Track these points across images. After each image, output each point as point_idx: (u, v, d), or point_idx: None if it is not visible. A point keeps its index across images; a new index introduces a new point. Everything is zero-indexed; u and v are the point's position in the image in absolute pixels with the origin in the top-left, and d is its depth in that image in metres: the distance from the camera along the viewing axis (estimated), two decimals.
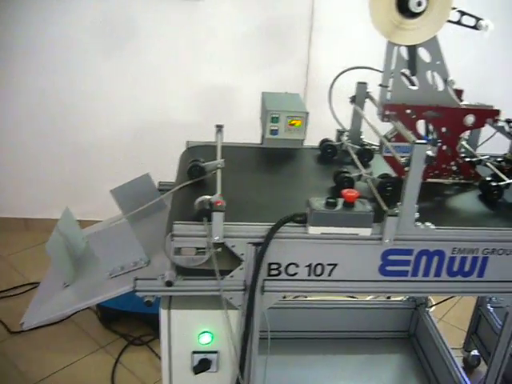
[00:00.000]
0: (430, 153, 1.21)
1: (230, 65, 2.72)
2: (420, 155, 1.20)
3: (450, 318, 2.54)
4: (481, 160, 1.63)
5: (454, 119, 1.49)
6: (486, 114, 1.50)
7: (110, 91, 2.80)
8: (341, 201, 1.24)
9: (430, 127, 1.53)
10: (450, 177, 1.56)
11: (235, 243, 1.26)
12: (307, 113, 1.64)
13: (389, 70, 1.47)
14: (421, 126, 1.53)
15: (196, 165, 1.46)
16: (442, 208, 1.44)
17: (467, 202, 1.48)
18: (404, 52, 1.44)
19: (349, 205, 1.23)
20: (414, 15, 1.35)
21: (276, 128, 1.65)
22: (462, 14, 1.44)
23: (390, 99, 1.48)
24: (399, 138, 1.47)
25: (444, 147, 1.52)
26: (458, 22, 1.44)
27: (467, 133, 1.66)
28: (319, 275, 1.32)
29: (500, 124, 1.53)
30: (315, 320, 2.02)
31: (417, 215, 1.27)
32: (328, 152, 1.67)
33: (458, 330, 2.38)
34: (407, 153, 1.35)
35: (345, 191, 1.24)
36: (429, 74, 1.47)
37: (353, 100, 1.70)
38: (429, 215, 1.33)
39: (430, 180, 1.56)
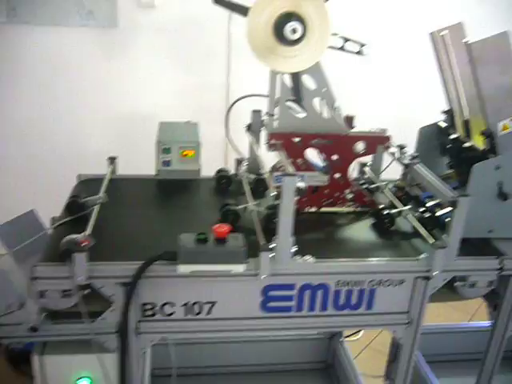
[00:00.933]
0: (301, 184, 1.17)
1: (148, 93, 2.67)
2: (290, 187, 1.16)
3: (377, 344, 2.50)
4: (378, 187, 1.60)
5: (343, 147, 1.46)
6: (376, 141, 1.47)
7: (41, 117, 2.72)
8: (212, 236, 1.18)
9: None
10: (344, 205, 1.53)
11: (104, 284, 1.19)
12: (199, 143, 1.58)
13: (273, 98, 1.44)
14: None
15: (74, 201, 1.39)
16: (332, 239, 1.40)
17: (359, 231, 1.44)
18: (288, 79, 1.41)
19: (220, 241, 1.18)
20: (293, 42, 1.32)
21: (168, 159, 1.59)
22: (346, 40, 1.42)
23: (276, 128, 1.45)
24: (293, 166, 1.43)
25: (336, 175, 1.49)
26: (342, 48, 1.42)
27: (370, 158, 1.63)
28: (198, 314, 1.25)
29: (392, 150, 1.51)
30: (227, 354, 1.94)
31: (294, 248, 1.22)
32: (222, 183, 1.62)
33: (384, 356, 2.34)
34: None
35: (215, 226, 1.18)
36: (317, 100, 1.44)
37: (249, 128, 1.66)
38: (315, 247, 1.29)
39: (324, 209, 1.52)
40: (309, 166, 1.46)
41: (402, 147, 1.52)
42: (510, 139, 1.38)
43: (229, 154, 2.67)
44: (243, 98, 1.61)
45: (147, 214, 1.46)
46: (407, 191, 1.57)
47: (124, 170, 1.72)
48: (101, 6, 2.46)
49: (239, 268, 1.18)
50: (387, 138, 1.47)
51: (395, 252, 1.34)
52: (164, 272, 1.18)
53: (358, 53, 1.42)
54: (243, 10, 1.32)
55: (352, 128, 1.51)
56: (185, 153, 1.59)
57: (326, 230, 1.43)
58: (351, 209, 1.53)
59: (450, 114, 1.59)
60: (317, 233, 1.42)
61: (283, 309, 1.28)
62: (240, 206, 1.39)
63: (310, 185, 1.47)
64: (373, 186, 1.58)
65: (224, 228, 1.18)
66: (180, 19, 2.24)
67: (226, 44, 2.58)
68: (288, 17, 1.30)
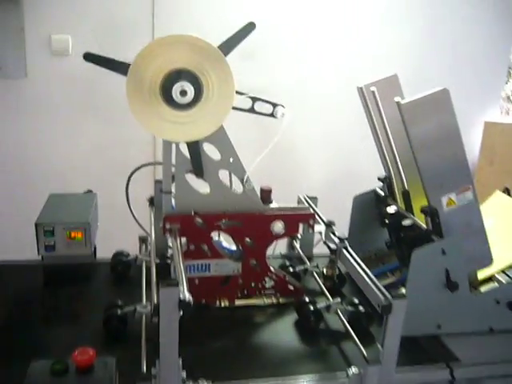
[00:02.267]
0: (185, 296, 0.88)
1: (62, 144, 2.37)
2: (170, 302, 0.88)
3: None
4: (306, 269, 1.34)
5: (257, 228, 1.20)
6: (298, 219, 1.22)
7: None
8: (73, 365, 0.89)
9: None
10: (264, 296, 1.26)
11: None
12: (89, 223, 1.30)
13: (170, 172, 1.17)
14: None
15: None
16: (242, 347, 1.12)
17: (279, 332, 1.17)
18: (185, 148, 1.15)
19: (83, 371, 0.89)
20: (185, 106, 1.07)
21: (51, 243, 1.30)
22: (255, 99, 1.17)
23: (175, 208, 1.18)
24: (197, 252, 1.17)
25: (252, 261, 1.22)
26: (252, 110, 1.17)
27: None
28: None
29: (317, 229, 1.25)
30: None
31: (183, 374, 0.94)
32: (118, 269, 1.33)
33: None
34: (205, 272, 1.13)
35: (76, 353, 0.89)
36: (224, 173, 1.19)
37: (151, 202, 1.39)
38: (216, 363, 1.02)
39: (238, 303, 1.24)
40: (216, 252, 1.20)
41: (329, 224, 1.26)
42: (456, 217, 1.14)
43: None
44: (140, 168, 1.34)
45: (17, 315, 1.16)
46: (340, 275, 1.32)
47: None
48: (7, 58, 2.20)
49: None
50: (310, 215, 1.22)
51: (321, 364, 1.06)
52: None
53: (272, 115, 1.18)
54: (122, 68, 1.06)
55: (269, 203, 1.25)
56: (72, 235, 1.30)
57: (236, 334, 1.15)
58: (272, 300, 1.26)
59: (387, 181, 1.35)
60: (224, 338, 1.13)
61: None
62: (127, 308, 1.10)
63: (218, 275, 1.21)
64: (299, 268, 1.32)
65: (87, 355, 0.89)
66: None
67: None
68: (178, 75, 1.05)
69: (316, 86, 2.53)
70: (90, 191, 1.49)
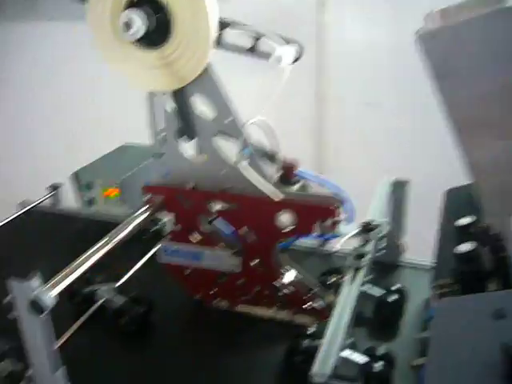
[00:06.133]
0: (40, 296, 0.67)
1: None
2: (23, 302, 0.67)
3: None
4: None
5: (259, 217, 0.87)
6: (313, 214, 0.84)
7: None
8: None
9: None
10: (273, 307, 0.93)
11: None
12: (123, 182, 1.15)
13: (156, 131, 0.93)
14: None
15: None
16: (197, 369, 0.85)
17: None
18: (169, 102, 0.88)
19: None
20: (155, 44, 0.80)
21: (91, 197, 1.21)
22: (258, 36, 0.82)
23: (166, 176, 0.94)
24: (185, 236, 0.93)
25: (255, 261, 0.91)
26: (252, 51, 0.83)
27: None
28: None
29: (341, 228, 0.85)
30: None
31: None
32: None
33: None
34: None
35: None
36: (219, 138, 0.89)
37: None
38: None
39: (242, 308, 0.95)
40: (208, 239, 0.92)
41: (368, 227, 0.84)
42: None
43: None
44: None
45: None
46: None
47: None
48: None
49: None
50: (331, 211, 0.82)
51: None
52: None
53: (282, 59, 0.81)
54: None
55: (291, 184, 0.90)
56: (107, 191, 1.18)
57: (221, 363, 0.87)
58: (284, 316, 0.92)
59: None
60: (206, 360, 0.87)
61: None
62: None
63: (212, 268, 0.93)
64: (331, 280, 0.94)
65: None
66: None
67: None
68: (137, 4, 0.79)
69: None
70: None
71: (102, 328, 0.93)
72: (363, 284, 0.84)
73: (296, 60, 0.82)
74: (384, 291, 0.91)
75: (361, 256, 0.79)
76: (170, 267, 0.96)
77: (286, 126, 0.99)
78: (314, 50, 2.01)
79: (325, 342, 0.65)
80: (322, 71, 2.07)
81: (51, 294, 0.68)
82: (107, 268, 1.03)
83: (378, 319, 0.90)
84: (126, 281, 1.03)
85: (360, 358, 0.76)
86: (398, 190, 1.01)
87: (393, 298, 0.90)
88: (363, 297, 0.89)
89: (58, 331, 0.90)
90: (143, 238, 0.93)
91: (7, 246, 1.19)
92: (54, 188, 1.32)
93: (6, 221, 1.26)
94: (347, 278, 0.78)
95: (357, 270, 0.78)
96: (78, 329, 0.92)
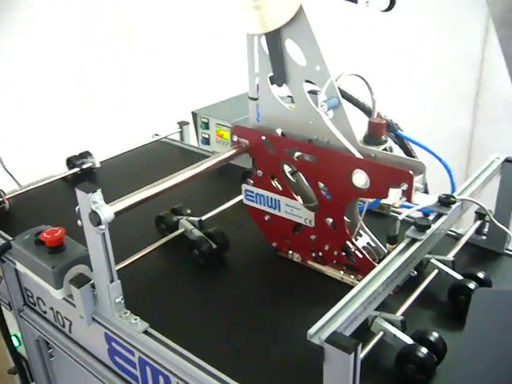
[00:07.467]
0: (101, 212, 0.73)
1: None
2: (84, 209, 0.75)
3: None
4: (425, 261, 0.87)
5: (335, 173, 0.84)
6: (386, 175, 0.77)
7: None
8: None
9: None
10: (339, 270, 0.90)
11: None
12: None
13: (253, 75, 0.93)
14: None
15: None
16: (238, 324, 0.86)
17: None
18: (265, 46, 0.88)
19: (54, 249, 0.89)
20: None
21: (207, 136, 1.26)
22: None
23: (260, 120, 0.94)
24: (266, 183, 0.93)
25: (327, 218, 0.88)
26: None
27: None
28: (62, 326, 1.00)
29: (417, 200, 0.77)
30: None
31: (118, 299, 0.81)
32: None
33: None
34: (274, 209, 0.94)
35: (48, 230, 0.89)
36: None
37: None
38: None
39: (312, 264, 0.94)
40: (287, 190, 0.91)
41: (447, 201, 0.76)
42: None
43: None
44: None
45: None
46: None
47: None
48: None
49: (55, 294, 0.88)
50: (406, 176, 0.75)
51: None
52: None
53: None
54: None
55: (380, 144, 0.84)
56: (220, 132, 1.23)
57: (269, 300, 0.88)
58: (351, 280, 0.89)
59: None
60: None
61: (129, 373, 0.89)
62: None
63: (288, 218, 0.93)
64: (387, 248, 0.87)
65: (54, 234, 0.88)
66: None
67: None
68: None
69: None
70: None
71: (179, 256, 0.99)
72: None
73: (390, 7, 0.75)
74: (463, 277, 0.83)
75: (424, 228, 0.72)
76: (252, 210, 0.98)
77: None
78: None
79: (337, 305, 0.61)
80: None
81: (112, 209, 0.75)
82: (197, 204, 1.10)
83: (450, 304, 0.82)
84: (213, 217, 1.07)
85: (402, 337, 0.71)
86: (509, 171, 0.89)
87: (471, 285, 0.81)
88: (437, 277, 0.83)
89: (138, 248, 1.00)
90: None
91: (136, 166, 1.31)
92: (183, 125, 1.41)
93: (140, 145, 1.39)
94: (399, 246, 0.72)
95: (413, 240, 0.72)
96: (157, 251, 1.00)
